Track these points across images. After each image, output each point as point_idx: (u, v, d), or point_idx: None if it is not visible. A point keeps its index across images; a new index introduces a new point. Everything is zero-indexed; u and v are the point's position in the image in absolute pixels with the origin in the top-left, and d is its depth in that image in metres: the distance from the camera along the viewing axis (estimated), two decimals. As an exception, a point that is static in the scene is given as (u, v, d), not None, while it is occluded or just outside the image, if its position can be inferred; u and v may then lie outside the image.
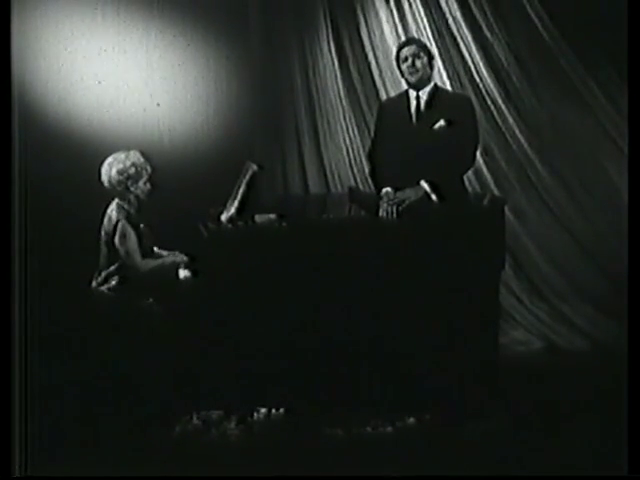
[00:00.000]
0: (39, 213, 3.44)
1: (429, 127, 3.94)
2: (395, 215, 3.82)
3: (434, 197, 3.86)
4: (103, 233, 3.82)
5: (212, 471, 3.28)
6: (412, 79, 3.97)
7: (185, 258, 3.86)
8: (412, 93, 4.03)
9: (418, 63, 3.96)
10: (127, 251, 3.77)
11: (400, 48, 4.03)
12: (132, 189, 3.82)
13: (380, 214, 3.86)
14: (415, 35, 5.05)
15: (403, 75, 4.04)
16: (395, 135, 4.01)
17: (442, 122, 3.93)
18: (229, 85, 5.12)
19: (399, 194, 3.86)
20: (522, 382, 4.01)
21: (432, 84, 4.02)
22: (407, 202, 3.83)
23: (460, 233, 3.71)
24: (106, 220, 3.82)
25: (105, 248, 3.81)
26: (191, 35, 4.95)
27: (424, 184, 3.86)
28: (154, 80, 4.88)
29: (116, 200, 3.84)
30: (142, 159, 3.84)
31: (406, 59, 3.98)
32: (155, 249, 3.97)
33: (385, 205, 3.85)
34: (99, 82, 4.70)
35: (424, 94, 4.00)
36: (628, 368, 3.02)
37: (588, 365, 4.31)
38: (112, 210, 3.82)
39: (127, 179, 3.80)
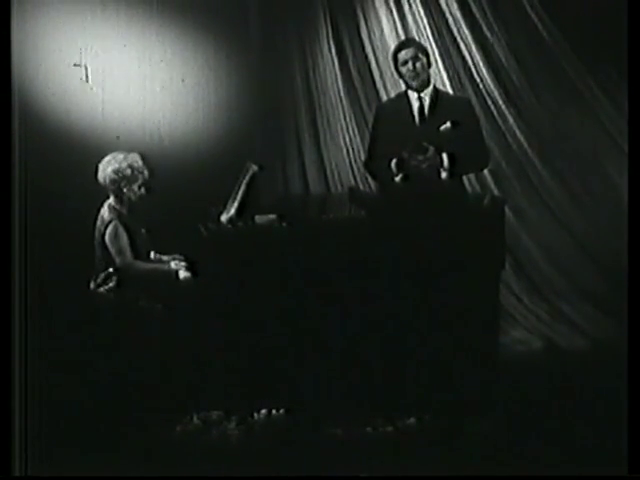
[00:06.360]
0: (39, 213, 3.45)
1: (435, 128, 3.94)
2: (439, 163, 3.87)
3: (444, 174, 3.87)
4: (97, 234, 3.82)
5: (212, 471, 3.28)
6: (414, 83, 3.98)
7: (183, 264, 3.85)
8: (413, 95, 4.03)
9: (418, 65, 3.96)
10: (118, 250, 3.77)
11: (397, 51, 4.02)
12: (125, 190, 3.83)
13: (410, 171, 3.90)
14: (415, 35, 5.05)
15: (403, 77, 4.04)
16: (398, 136, 4.00)
17: (448, 124, 3.93)
18: (229, 85, 5.12)
19: (424, 157, 3.88)
20: (522, 382, 4.01)
21: (432, 85, 4.03)
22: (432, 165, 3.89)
23: (460, 233, 3.71)
24: (99, 221, 3.83)
25: (99, 249, 3.82)
26: (191, 35, 4.96)
27: (444, 157, 3.87)
28: (154, 80, 4.88)
29: (108, 201, 3.85)
30: (140, 162, 3.85)
31: (405, 62, 3.97)
32: (152, 253, 3.97)
33: (424, 165, 3.87)
34: (99, 82, 4.70)
35: (426, 95, 4.01)
36: (628, 368, 3.02)
37: (588, 365, 4.30)
38: (104, 211, 3.83)
39: (121, 179, 3.81)
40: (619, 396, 3.11)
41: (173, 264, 3.85)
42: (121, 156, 3.84)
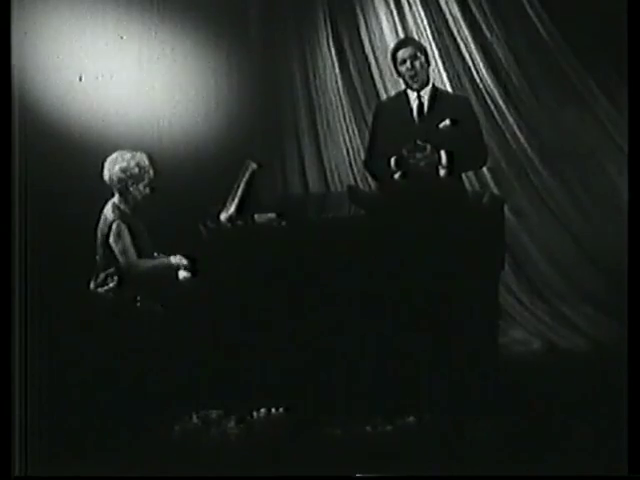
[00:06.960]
0: (39, 213, 3.45)
1: (434, 127, 3.95)
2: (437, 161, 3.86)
3: (442, 172, 3.87)
4: (99, 234, 3.82)
5: (212, 471, 3.28)
6: (413, 82, 3.98)
7: (184, 261, 3.85)
8: (412, 93, 4.03)
9: (417, 64, 3.97)
10: (122, 250, 3.77)
11: (396, 50, 4.03)
12: (131, 189, 3.82)
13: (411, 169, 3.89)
14: (415, 36, 5.05)
15: (402, 77, 4.04)
16: (397, 135, 4.00)
17: (447, 122, 3.94)
18: (229, 84, 5.12)
19: (422, 155, 3.88)
20: (522, 382, 4.01)
21: (431, 84, 4.04)
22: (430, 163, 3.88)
23: (460, 232, 3.71)
24: (102, 221, 3.82)
25: (102, 249, 3.81)
26: (192, 35, 4.96)
27: (443, 154, 3.87)
28: (154, 79, 4.88)
29: (112, 201, 3.85)
30: (147, 162, 3.84)
31: (404, 61, 3.98)
32: (155, 254, 3.97)
33: (422, 162, 3.87)
34: (99, 81, 4.70)
35: (425, 94, 4.01)
36: (628, 368, 3.03)
37: (588, 365, 4.30)
38: (107, 210, 3.82)
39: (128, 178, 3.80)
40: (619, 396, 3.11)
41: (173, 258, 3.85)
42: (128, 155, 3.83)
